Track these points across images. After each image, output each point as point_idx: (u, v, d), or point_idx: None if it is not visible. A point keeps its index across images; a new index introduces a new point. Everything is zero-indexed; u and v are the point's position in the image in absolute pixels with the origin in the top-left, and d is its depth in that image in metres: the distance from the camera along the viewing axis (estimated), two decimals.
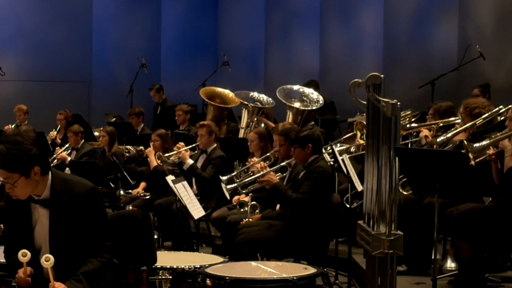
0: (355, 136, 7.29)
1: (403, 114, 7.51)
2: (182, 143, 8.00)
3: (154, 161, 8.01)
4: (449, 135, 6.05)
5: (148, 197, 8.14)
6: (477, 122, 5.93)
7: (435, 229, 5.11)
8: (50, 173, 3.70)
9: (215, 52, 15.09)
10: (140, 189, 8.36)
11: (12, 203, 3.76)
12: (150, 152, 8.20)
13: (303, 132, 6.07)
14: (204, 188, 7.67)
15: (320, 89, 10.35)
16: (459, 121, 6.37)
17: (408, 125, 7.17)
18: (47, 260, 3.50)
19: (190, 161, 7.76)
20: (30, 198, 3.72)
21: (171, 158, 7.89)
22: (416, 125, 7.10)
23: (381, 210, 3.85)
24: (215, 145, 8.02)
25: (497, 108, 6.01)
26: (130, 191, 8.47)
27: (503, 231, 5.28)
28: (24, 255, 3.55)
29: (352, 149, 7.25)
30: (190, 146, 7.99)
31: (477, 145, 5.29)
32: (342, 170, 6.35)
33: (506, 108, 5.96)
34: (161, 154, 7.96)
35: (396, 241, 3.77)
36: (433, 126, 6.58)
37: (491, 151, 5.25)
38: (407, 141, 7.03)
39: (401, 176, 5.59)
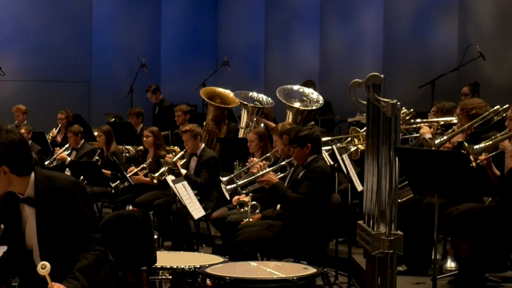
0: (352, 141, 7.28)
1: None
2: (170, 156, 8.03)
3: (149, 180, 8.03)
4: (446, 137, 6.06)
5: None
6: (474, 124, 5.94)
7: (435, 229, 5.11)
8: (33, 172, 3.70)
9: (215, 52, 15.10)
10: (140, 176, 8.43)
11: (3, 203, 3.78)
12: (140, 179, 8.23)
13: (303, 131, 6.07)
14: (201, 192, 7.66)
15: (320, 89, 10.35)
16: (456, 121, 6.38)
17: (412, 120, 7.16)
18: (44, 268, 3.47)
19: (183, 171, 7.75)
20: (18, 198, 3.73)
21: (161, 171, 7.90)
22: (419, 120, 7.10)
23: (381, 210, 3.85)
24: (203, 145, 8.04)
25: (494, 108, 6.01)
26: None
27: (503, 231, 5.28)
28: (43, 267, 3.53)
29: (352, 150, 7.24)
30: (178, 156, 8.03)
31: (477, 146, 5.29)
32: (342, 170, 6.35)
33: (503, 107, 5.97)
34: (152, 175, 7.99)
35: (396, 241, 3.77)
36: (434, 124, 6.58)
37: (482, 156, 5.24)
38: (407, 136, 7.04)
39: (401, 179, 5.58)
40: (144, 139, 8.55)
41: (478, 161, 5.23)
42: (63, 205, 3.66)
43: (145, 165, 8.43)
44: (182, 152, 8.09)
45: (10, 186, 3.67)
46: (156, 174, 7.94)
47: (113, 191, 8.41)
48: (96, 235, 3.75)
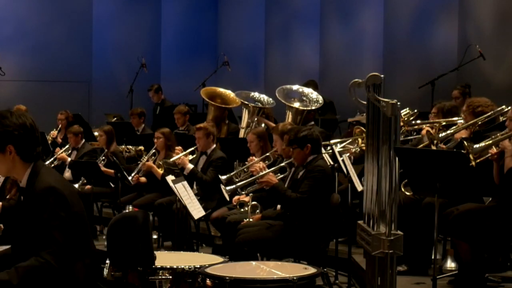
0: (355, 141, 7.28)
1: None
2: (180, 148, 8.01)
3: (159, 172, 8.00)
4: (451, 131, 6.06)
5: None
6: (479, 121, 5.95)
7: (435, 229, 5.11)
8: (34, 164, 3.68)
9: (215, 52, 15.09)
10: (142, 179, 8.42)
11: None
12: (150, 166, 8.19)
13: (302, 132, 6.07)
14: (206, 190, 7.67)
15: (320, 89, 10.35)
16: (461, 121, 6.38)
17: (413, 121, 7.17)
18: None
19: (190, 166, 7.76)
20: None
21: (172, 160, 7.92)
22: (419, 121, 7.10)
23: (381, 210, 3.85)
24: (214, 146, 8.03)
25: (499, 108, 6.02)
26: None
27: (503, 231, 5.28)
28: None
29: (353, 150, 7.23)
30: (189, 150, 8.01)
31: (477, 146, 5.30)
32: (342, 170, 6.35)
33: (510, 108, 5.97)
34: (160, 162, 7.98)
35: (396, 241, 3.77)
36: (435, 124, 6.59)
37: (493, 150, 5.26)
38: (408, 138, 7.03)
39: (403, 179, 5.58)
40: (155, 140, 8.50)
41: (489, 155, 5.24)
42: (34, 207, 3.59)
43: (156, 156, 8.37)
44: (193, 148, 8.07)
45: (13, 170, 3.67)
46: (165, 160, 7.93)
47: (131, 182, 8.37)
48: (53, 245, 3.54)
